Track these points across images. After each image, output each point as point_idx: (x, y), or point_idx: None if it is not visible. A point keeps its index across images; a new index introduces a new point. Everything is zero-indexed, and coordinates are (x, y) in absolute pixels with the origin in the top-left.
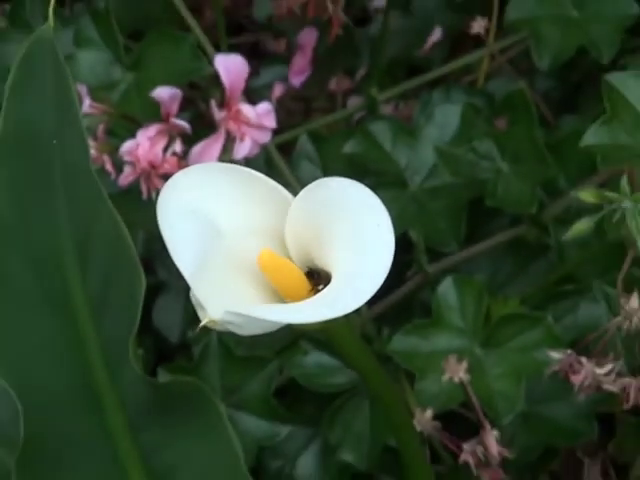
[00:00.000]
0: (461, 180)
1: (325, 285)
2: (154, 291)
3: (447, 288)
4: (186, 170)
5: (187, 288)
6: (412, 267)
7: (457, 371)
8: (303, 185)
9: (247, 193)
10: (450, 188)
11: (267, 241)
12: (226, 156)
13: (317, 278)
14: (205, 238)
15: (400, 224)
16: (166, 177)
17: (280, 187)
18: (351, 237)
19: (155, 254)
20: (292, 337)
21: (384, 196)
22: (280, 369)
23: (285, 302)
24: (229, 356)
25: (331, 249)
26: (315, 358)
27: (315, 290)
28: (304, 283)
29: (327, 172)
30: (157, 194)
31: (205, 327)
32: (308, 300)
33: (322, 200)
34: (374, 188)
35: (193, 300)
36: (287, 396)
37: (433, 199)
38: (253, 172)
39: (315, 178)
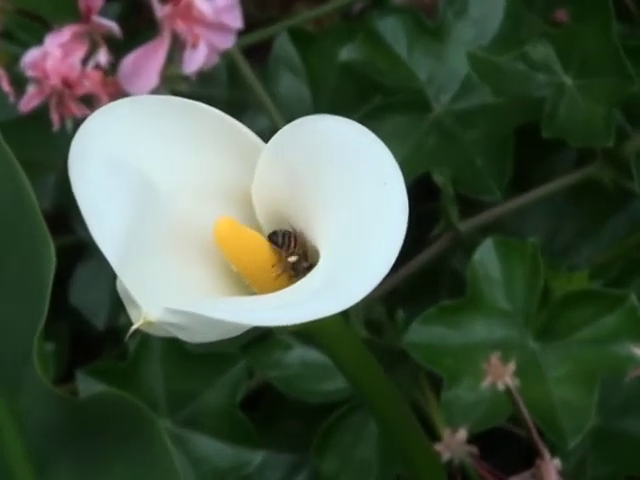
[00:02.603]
0: (506, 100)
1: (309, 267)
2: (71, 257)
3: (487, 255)
4: (110, 106)
5: None
6: (437, 224)
7: (502, 374)
8: (282, 106)
9: (198, 138)
10: (491, 112)
11: (226, 206)
12: (172, 69)
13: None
14: (137, 203)
15: (420, 163)
16: (86, 100)
17: (245, 129)
18: (346, 202)
19: (72, 205)
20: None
21: (398, 124)
22: (250, 370)
23: (253, 293)
24: (178, 352)
25: (318, 219)
26: (299, 354)
27: (292, 273)
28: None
29: (316, 88)
30: (75, 125)
31: (139, 330)
32: (286, 292)
33: (305, 148)
34: (382, 112)
35: (120, 292)
36: (260, 409)
37: (467, 127)
38: (206, 108)
39: (299, 96)
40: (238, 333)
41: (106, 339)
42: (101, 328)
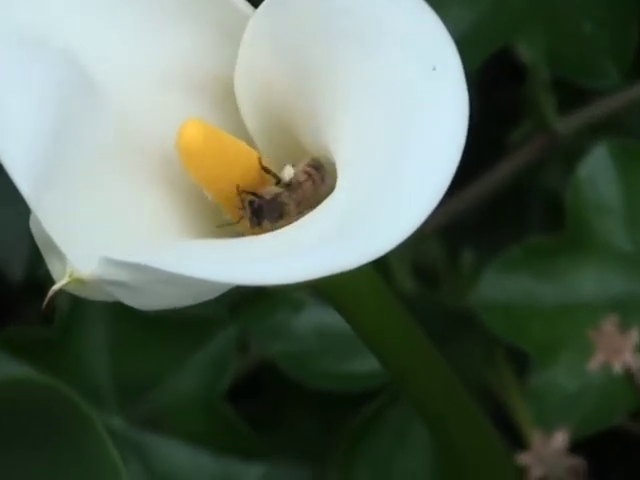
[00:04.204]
0: None
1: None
2: None
3: (599, 168)
4: None
5: None
6: (521, 123)
7: (620, 348)
8: None
9: (151, 3)
10: None
11: (196, 103)
12: None
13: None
14: (63, 99)
15: (498, 31)
16: None
17: None
18: (375, 98)
19: None
20: None
21: None
22: (242, 343)
23: (238, 234)
24: (131, 315)
25: (333, 123)
26: (314, 318)
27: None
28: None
29: None
30: None
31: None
32: (285, 232)
33: (314, 15)
34: None
35: (37, 236)
36: (258, 400)
37: None
38: None
39: None
40: (213, 295)
41: (26, 295)
42: (19, 278)
